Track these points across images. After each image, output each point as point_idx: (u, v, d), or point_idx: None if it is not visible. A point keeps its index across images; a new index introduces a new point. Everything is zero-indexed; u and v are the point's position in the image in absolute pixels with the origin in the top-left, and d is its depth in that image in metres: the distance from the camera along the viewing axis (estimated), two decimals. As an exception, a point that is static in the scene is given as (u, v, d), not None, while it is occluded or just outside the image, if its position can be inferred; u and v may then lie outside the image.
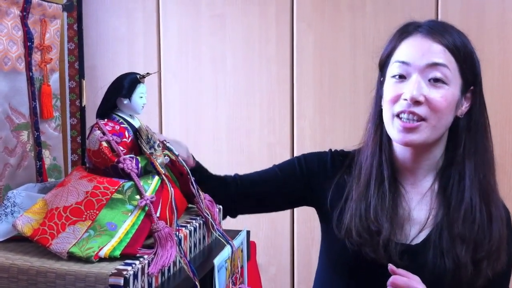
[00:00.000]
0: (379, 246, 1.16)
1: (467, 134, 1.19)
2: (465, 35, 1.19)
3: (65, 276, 0.83)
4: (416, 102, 1.13)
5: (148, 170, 0.98)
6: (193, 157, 1.29)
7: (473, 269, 1.12)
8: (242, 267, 1.19)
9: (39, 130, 1.24)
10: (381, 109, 1.22)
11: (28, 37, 1.19)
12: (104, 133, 0.97)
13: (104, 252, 0.86)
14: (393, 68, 1.18)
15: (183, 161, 1.05)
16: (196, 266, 0.98)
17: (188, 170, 1.05)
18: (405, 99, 1.14)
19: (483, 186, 1.18)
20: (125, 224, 0.91)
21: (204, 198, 1.08)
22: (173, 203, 0.96)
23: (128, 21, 2.25)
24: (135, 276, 0.85)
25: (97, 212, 0.92)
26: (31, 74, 1.21)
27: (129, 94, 1.01)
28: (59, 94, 1.33)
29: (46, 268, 0.84)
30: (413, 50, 1.15)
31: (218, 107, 2.22)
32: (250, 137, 2.21)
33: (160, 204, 0.96)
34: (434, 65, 1.13)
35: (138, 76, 1.01)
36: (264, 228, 2.21)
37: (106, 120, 1.02)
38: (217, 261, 1.01)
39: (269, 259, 2.19)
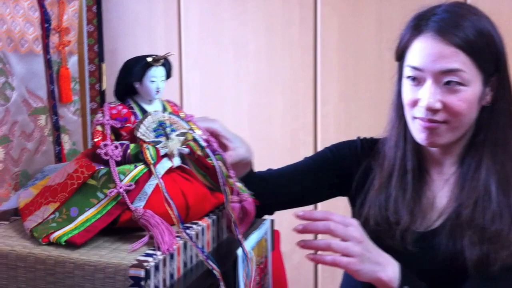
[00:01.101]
0: (395, 235, 1.12)
1: (489, 121, 1.13)
2: (482, 15, 1.12)
3: (84, 266, 0.80)
4: (434, 110, 1.08)
5: (140, 159, 0.92)
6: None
7: (484, 257, 1.07)
8: (266, 257, 1.15)
9: (57, 114, 1.20)
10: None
11: (45, 19, 1.16)
12: (103, 116, 0.94)
13: (53, 236, 0.84)
14: (407, 71, 1.13)
15: (212, 154, 0.98)
16: (219, 257, 0.94)
17: (218, 164, 0.97)
18: (422, 106, 1.09)
19: (501, 176, 1.13)
20: (87, 212, 0.87)
21: (243, 200, 0.98)
22: (165, 194, 0.89)
23: (149, 4, 2.20)
24: (157, 267, 0.81)
25: (67, 195, 0.89)
26: (48, 56, 1.17)
27: (137, 78, 0.96)
28: (78, 77, 1.30)
29: (64, 258, 0.81)
30: (424, 54, 1.09)
31: (239, 92, 2.16)
32: (272, 123, 2.14)
33: (149, 194, 0.91)
34: (447, 71, 1.07)
35: (148, 59, 0.96)
36: (288, 216, 2.15)
37: (117, 103, 0.98)
38: (240, 251, 0.98)
39: (293, 247, 2.13)
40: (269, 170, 1.33)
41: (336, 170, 1.30)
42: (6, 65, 1.06)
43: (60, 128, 1.22)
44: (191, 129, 1.00)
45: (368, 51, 2.05)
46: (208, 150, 0.98)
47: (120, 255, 0.82)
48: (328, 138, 2.05)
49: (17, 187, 1.09)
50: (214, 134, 1.06)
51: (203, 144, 0.98)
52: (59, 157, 1.21)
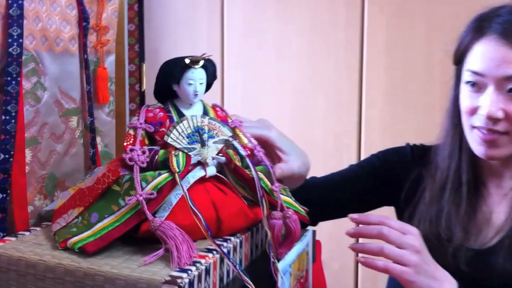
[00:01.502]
0: (447, 253, 1.04)
1: None
2: None
3: (114, 280, 0.76)
4: (495, 119, 0.99)
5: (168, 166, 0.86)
6: None
7: None
8: (307, 270, 1.08)
9: (93, 116, 1.16)
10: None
11: (83, 17, 1.11)
12: (138, 119, 0.90)
13: (70, 241, 0.82)
14: (466, 76, 1.04)
15: (251, 164, 0.90)
16: (258, 270, 0.89)
17: (257, 176, 0.90)
18: (482, 114, 1.00)
19: None
20: (106, 219, 0.82)
21: (287, 217, 0.90)
22: (190, 204, 0.83)
23: (192, 3, 2.16)
24: (191, 283, 0.75)
25: (91, 200, 0.86)
26: (85, 56, 1.13)
27: (174, 80, 0.91)
28: (114, 77, 1.25)
29: (94, 271, 0.77)
30: (487, 59, 1.00)
31: (281, 94, 2.10)
32: (315, 126, 2.08)
33: (174, 204, 0.85)
34: (511, 78, 0.98)
35: (186, 61, 0.90)
36: (327, 222, 2.10)
37: (156, 106, 0.93)
38: (281, 265, 0.91)
39: (332, 255, 2.07)
40: (313, 178, 1.26)
41: (384, 179, 1.23)
42: (39, 65, 1.02)
43: (95, 129, 1.18)
44: (233, 136, 0.93)
45: (417, 52, 1.98)
46: (248, 160, 0.91)
47: (152, 269, 0.77)
48: (372, 143, 2.00)
49: (42, 190, 1.05)
50: (267, 144, 1.00)
51: (243, 153, 0.91)
52: (94, 160, 1.16)
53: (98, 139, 1.21)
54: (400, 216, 1.20)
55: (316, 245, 1.19)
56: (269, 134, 1.01)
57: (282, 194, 0.93)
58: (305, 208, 1.00)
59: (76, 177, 1.13)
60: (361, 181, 1.24)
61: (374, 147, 1.30)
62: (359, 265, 2.07)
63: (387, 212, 1.27)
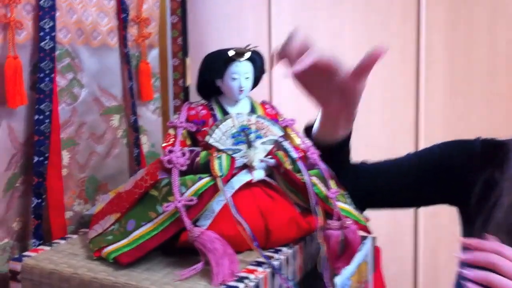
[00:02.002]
0: None
1: None
2: None
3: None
4: None
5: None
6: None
7: None
8: (366, 281, 0.99)
9: (136, 114, 1.09)
10: None
11: (122, 8, 1.04)
12: (178, 118, 0.82)
13: (105, 251, 0.76)
14: None
15: (304, 168, 0.81)
16: (313, 284, 0.81)
17: (310, 181, 0.80)
18: None
19: None
20: (143, 227, 0.75)
21: (345, 227, 0.80)
22: (233, 212, 0.74)
23: (238, -6, 2.09)
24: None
25: (128, 205, 0.79)
26: (126, 50, 1.05)
27: (217, 75, 0.83)
28: (158, 73, 1.18)
29: (132, 286, 0.70)
30: None
31: (334, 88, 2.01)
32: (369, 121, 1.94)
33: (216, 212, 0.77)
34: None
35: (230, 53, 0.81)
36: (384, 222, 2.00)
37: (199, 103, 0.85)
38: (339, 280, 0.82)
39: (389, 257, 1.97)
40: (364, 162, 1.16)
41: (445, 174, 1.10)
42: (75, 60, 0.95)
43: (139, 128, 1.10)
44: (283, 136, 0.84)
45: (480, 41, 1.84)
46: (300, 163, 0.82)
47: (196, 286, 0.69)
48: (431, 139, 1.81)
49: (82, 194, 0.98)
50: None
51: (295, 155, 0.82)
52: (138, 161, 1.09)
53: (144, 139, 1.14)
54: (469, 222, 1.08)
55: (376, 252, 1.09)
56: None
57: (340, 201, 0.84)
58: (366, 217, 0.90)
59: (120, 179, 1.07)
60: (418, 172, 1.11)
61: (433, 143, 1.18)
62: (419, 267, 1.98)
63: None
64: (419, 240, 1.97)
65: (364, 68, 0.90)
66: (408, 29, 1.90)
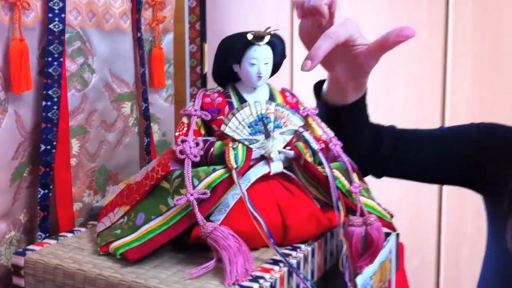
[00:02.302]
0: None
1: None
2: None
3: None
4: None
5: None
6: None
7: None
8: (389, 280, 0.93)
9: (147, 101, 1.04)
10: None
11: (136, -10, 1.00)
12: (193, 106, 0.77)
13: (112, 246, 0.71)
14: None
15: (325, 160, 0.75)
16: (333, 283, 0.77)
17: (332, 174, 0.75)
18: None
19: None
20: (153, 222, 0.70)
21: (369, 224, 0.74)
22: (249, 207, 0.69)
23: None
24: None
25: (138, 197, 0.75)
26: (139, 34, 1.01)
27: (234, 60, 0.77)
28: (172, 59, 1.13)
29: (139, 285, 0.65)
30: None
31: (356, 77, 1.95)
32: (392, 113, 1.89)
33: (231, 206, 0.72)
34: None
35: (248, 37, 0.76)
36: (406, 214, 1.94)
37: (215, 90, 0.80)
38: (360, 280, 0.77)
39: (411, 251, 1.91)
40: (393, 127, 1.10)
41: (479, 159, 1.02)
42: (86, 44, 0.91)
43: (150, 116, 1.06)
44: (304, 126, 0.79)
45: (509, 32, 1.78)
46: (321, 155, 0.76)
47: (207, 285, 0.64)
48: None
49: (92, 185, 0.94)
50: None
51: (316, 146, 0.77)
52: (148, 150, 1.04)
53: (155, 127, 1.10)
54: (498, 217, 1.01)
55: (399, 249, 1.04)
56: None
57: (363, 196, 0.78)
58: (390, 212, 0.85)
59: (131, 169, 1.03)
60: (450, 147, 1.03)
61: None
62: (441, 262, 1.93)
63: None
64: (442, 234, 1.92)
65: (386, 46, 0.84)
66: (435, 17, 1.84)
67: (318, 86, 0.94)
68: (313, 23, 0.83)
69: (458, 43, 1.81)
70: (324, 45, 0.80)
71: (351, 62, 0.88)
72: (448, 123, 1.86)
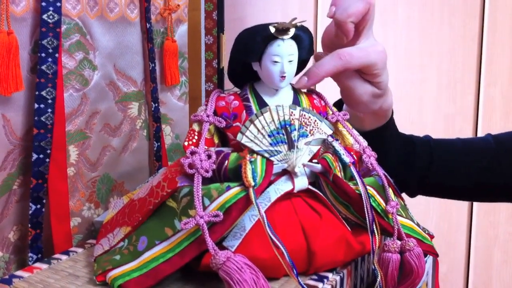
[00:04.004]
0: None
1: None
2: None
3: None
4: None
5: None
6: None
7: None
8: (424, 305, 0.83)
9: (157, 101, 0.94)
10: None
11: (144, -25, 0.89)
12: (205, 110, 0.67)
13: (110, 275, 0.61)
14: None
15: (358, 176, 0.65)
16: None
17: (366, 192, 0.64)
18: None
19: None
20: (156, 247, 0.60)
21: (408, 249, 0.64)
22: (268, 231, 0.58)
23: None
24: None
25: (140, 217, 0.65)
26: (148, 25, 0.90)
27: (254, 57, 0.66)
28: (186, 52, 1.02)
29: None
30: None
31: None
32: (424, 105, 1.83)
33: (247, 230, 0.62)
34: None
35: (271, 30, 0.65)
36: (435, 218, 1.87)
37: (231, 92, 0.70)
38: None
39: (440, 255, 1.83)
40: (428, 137, 0.98)
41: None
42: (87, 37, 0.80)
43: (161, 118, 0.95)
44: (333, 135, 0.68)
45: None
46: (353, 169, 0.65)
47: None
48: (492, 127, 1.74)
49: (93, 197, 0.84)
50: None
51: (347, 160, 0.66)
52: (158, 156, 0.94)
53: (168, 129, 0.99)
54: None
55: (435, 267, 0.94)
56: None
57: (400, 216, 0.67)
58: (431, 233, 0.74)
59: (139, 178, 0.93)
60: (497, 159, 0.92)
61: (493, 132, 1.01)
62: (471, 267, 1.85)
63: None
64: (472, 238, 1.84)
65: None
66: (470, 4, 1.73)
67: (340, 103, 0.84)
68: (336, 34, 0.72)
69: (495, 30, 1.73)
70: (329, 65, 0.70)
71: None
72: (482, 118, 1.78)
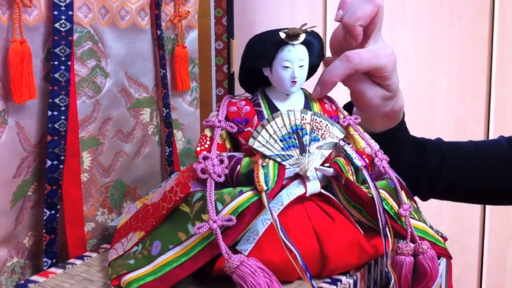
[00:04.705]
0: None
1: None
2: None
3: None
4: None
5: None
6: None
7: None
8: (438, 307, 0.83)
9: (169, 107, 0.94)
10: None
11: (155, -17, 0.90)
12: (216, 116, 0.67)
13: (125, 279, 0.62)
14: None
15: (371, 179, 0.65)
16: None
17: (379, 195, 0.64)
18: None
19: None
20: (170, 252, 0.61)
21: (421, 252, 0.64)
22: (280, 235, 0.58)
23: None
24: None
25: (153, 222, 0.65)
26: (159, 32, 0.91)
27: (264, 62, 0.67)
28: (197, 58, 1.03)
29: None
30: None
31: (394, 69, 1.85)
32: (434, 107, 1.82)
33: (261, 234, 0.62)
34: None
35: (281, 35, 0.65)
36: (447, 221, 1.86)
37: (242, 97, 0.70)
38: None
39: (453, 258, 1.82)
40: (440, 140, 0.98)
41: None
42: (99, 44, 0.81)
43: (173, 123, 0.96)
44: (345, 139, 0.68)
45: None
46: (365, 173, 0.65)
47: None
48: (504, 129, 1.72)
49: (106, 203, 0.84)
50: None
51: (359, 163, 0.66)
52: (170, 161, 0.95)
53: (179, 135, 1.00)
54: None
55: (448, 269, 0.93)
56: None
57: (413, 219, 0.67)
58: (444, 235, 0.74)
59: (152, 183, 0.93)
60: (506, 160, 0.92)
61: (506, 134, 1.01)
62: (484, 271, 1.84)
63: None
64: (485, 240, 1.84)
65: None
66: (480, 4, 1.72)
67: (350, 105, 0.84)
68: (344, 38, 0.72)
69: (506, 30, 1.72)
70: (340, 69, 0.70)
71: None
72: (494, 120, 1.76)
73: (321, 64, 0.73)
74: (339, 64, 0.70)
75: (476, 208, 1.82)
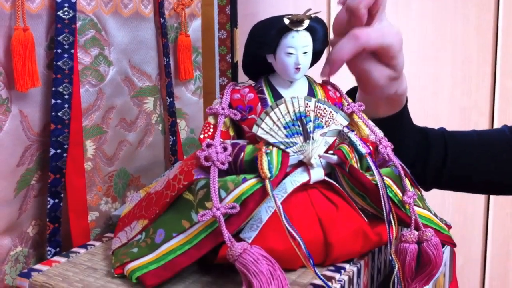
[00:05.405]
0: None
1: None
2: None
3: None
4: None
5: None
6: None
7: None
8: (442, 295, 0.83)
9: (172, 96, 0.94)
10: None
11: (158, -29, 0.89)
12: (220, 103, 0.67)
13: (128, 267, 0.62)
14: None
15: (375, 166, 0.65)
16: None
17: (383, 182, 0.64)
18: None
19: None
20: (174, 240, 0.61)
21: (425, 240, 0.63)
22: (284, 222, 0.58)
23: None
24: None
25: (157, 210, 0.65)
26: (162, 20, 0.91)
27: (268, 49, 0.66)
28: (200, 47, 1.02)
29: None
30: None
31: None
32: (439, 98, 1.81)
33: (264, 221, 0.61)
34: None
35: (285, 21, 0.65)
36: (451, 211, 1.85)
37: (245, 84, 0.70)
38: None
39: (456, 248, 1.82)
40: (443, 129, 0.97)
41: None
42: (102, 33, 0.81)
43: (176, 112, 0.96)
44: (349, 126, 0.68)
45: None
46: (369, 160, 0.65)
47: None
48: (509, 120, 1.70)
49: (110, 191, 0.84)
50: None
51: (363, 150, 0.66)
52: (174, 150, 0.95)
53: (182, 124, 1.00)
54: None
55: (452, 258, 0.93)
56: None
57: (418, 207, 0.67)
58: (448, 223, 0.73)
59: (155, 172, 0.93)
60: (510, 149, 0.91)
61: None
62: (487, 262, 1.84)
63: None
64: (489, 230, 1.83)
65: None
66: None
67: (352, 92, 0.83)
68: (348, 21, 0.71)
69: (510, 22, 1.71)
70: (347, 47, 0.69)
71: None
72: (498, 111, 1.76)
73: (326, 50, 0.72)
74: (347, 42, 0.70)
75: (480, 198, 1.82)
